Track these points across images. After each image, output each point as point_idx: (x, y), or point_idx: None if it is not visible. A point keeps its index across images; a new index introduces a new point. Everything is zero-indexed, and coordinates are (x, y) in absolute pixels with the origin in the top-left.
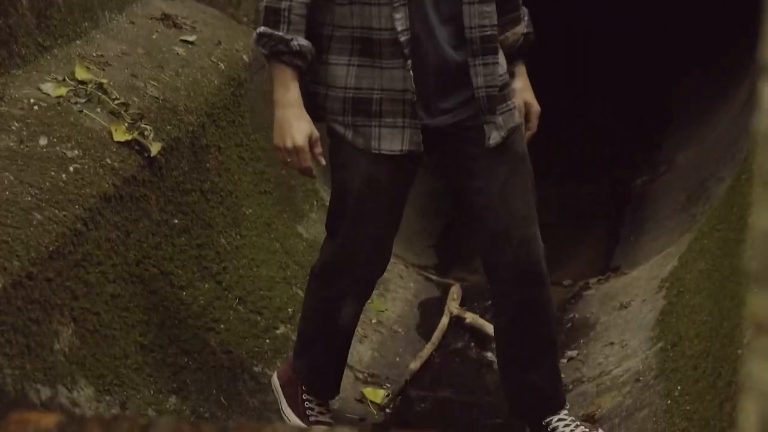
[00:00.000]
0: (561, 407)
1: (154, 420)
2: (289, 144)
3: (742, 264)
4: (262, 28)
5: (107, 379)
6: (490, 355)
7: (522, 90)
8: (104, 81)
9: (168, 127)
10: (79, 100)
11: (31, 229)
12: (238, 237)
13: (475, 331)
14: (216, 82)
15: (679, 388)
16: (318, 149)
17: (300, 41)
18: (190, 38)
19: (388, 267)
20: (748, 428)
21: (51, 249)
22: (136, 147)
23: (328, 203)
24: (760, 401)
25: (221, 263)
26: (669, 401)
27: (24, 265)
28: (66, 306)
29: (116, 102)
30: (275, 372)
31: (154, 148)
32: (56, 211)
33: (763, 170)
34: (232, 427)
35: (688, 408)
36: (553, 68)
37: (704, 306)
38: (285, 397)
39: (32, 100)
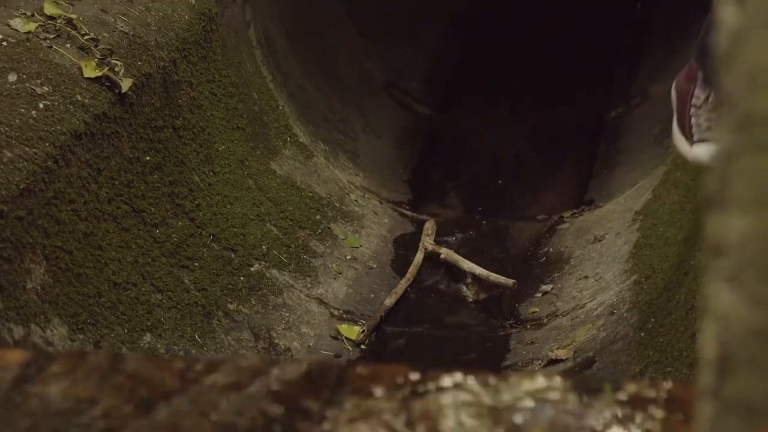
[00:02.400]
0: None
1: (122, 355)
2: None
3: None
4: None
5: (81, 318)
6: (464, 290)
7: None
8: (73, 16)
9: (139, 63)
10: (48, 35)
11: (1, 166)
12: (211, 174)
13: (449, 267)
14: (187, 17)
15: (652, 320)
16: None
17: None
18: None
19: (361, 202)
20: (707, 351)
21: (22, 187)
22: (107, 83)
23: (301, 140)
24: (718, 324)
25: (194, 200)
26: (642, 333)
27: None
28: (38, 244)
29: (86, 38)
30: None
31: (125, 85)
32: (26, 149)
33: (721, 91)
34: (199, 359)
35: (661, 340)
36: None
37: (677, 238)
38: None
39: (0, 36)
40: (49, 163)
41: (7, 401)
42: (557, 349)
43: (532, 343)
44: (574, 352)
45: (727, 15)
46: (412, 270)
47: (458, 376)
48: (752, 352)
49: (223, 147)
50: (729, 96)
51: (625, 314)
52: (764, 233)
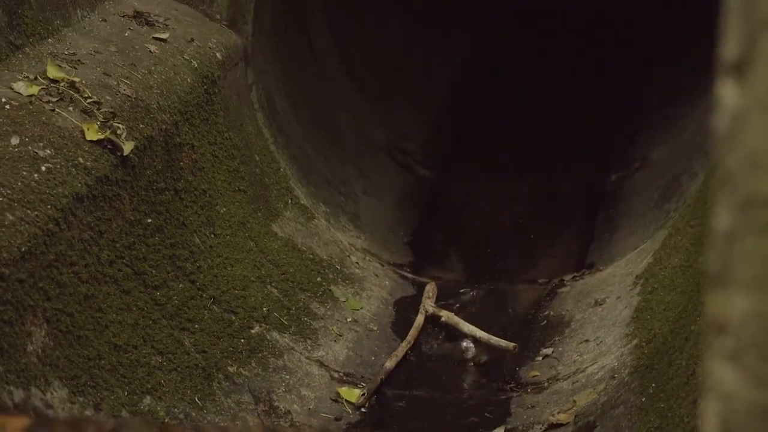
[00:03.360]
0: None
1: (123, 421)
2: None
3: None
4: None
5: (81, 380)
6: (465, 353)
7: None
8: (76, 79)
9: (141, 126)
10: (51, 98)
11: (3, 229)
12: (213, 236)
13: (450, 330)
14: (189, 79)
15: (653, 385)
16: None
17: None
18: (163, 36)
19: (362, 264)
20: (709, 428)
21: (23, 249)
22: (109, 146)
23: (302, 202)
24: (720, 401)
25: (195, 262)
26: (644, 398)
27: None
28: (39, 307)
29: (88, 101)
30: None
31: (127, 147)
32: (28, 211)
33: (721, 170)
34: (200, 427)
35: (662, 405)
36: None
37: (678, 302)
38: None
39: (3, 99)
40: (51, 225)
41: None
42: (558, 413)
43: (532, 407)
44: (575, 416)
45: (727, 95)
46: (412, 332)
47: None
48: (754, 430)
49: (224, 209)
50: (730, 176)
51: (626, 378)
52: (765, 314)
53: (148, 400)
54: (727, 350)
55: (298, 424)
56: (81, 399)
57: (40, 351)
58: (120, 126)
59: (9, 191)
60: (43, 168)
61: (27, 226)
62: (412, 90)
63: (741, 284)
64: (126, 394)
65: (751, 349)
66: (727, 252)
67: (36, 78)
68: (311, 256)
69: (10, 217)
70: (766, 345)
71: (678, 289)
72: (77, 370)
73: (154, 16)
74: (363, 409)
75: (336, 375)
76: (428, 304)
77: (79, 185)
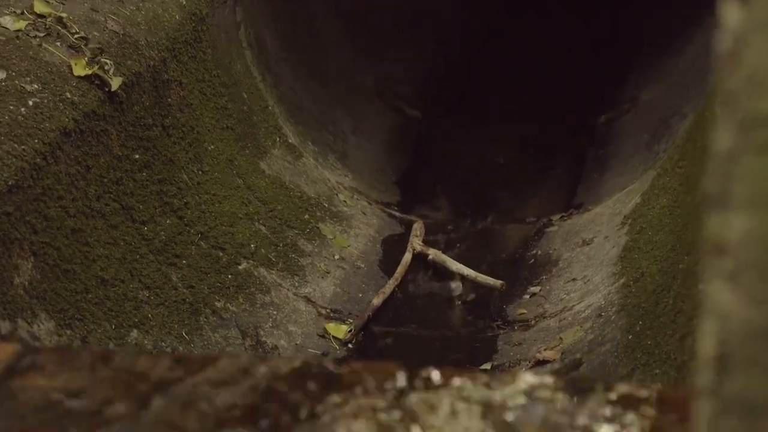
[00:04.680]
0: None
1: (112, 350)
2: None
3: (703, 200)
4: None
5: (68, 313)
6: (452, 291)
7: None
8: (64, 15)
9: (129, 62)
10: (38, 33)
11: None
12: (200, 173)
13: (437, 267)
14: (177, 16)
15: (640, 323)
16: None
17: None
18: None
19: (350, 203)
20: (705, 350)
21: (10, 183)
22: (97, 82)
23: (290, 141)
24: (717, 323)
25: (183, 199)
26: (630, 336)
27: None
28: (26, 240)
29: (76, 36)
30: None
31: (115, 83)
32: (15, 145)
33: (722, 91)
34: (189, 356)
35: (649, 342)
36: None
37: (666, 242)
38: None
39: None
40: (38, 159)
41: None
42: (545, 350)
43: (519, 344)
44: (562, 353)
45: (729, 15)
46: (400, 270)
47: (450, 374)
48: (752, 351)
49: (212, 146)
50: (731, 97)
51: (612, 317)
52: (765, 234)
53: (135, 333)
54: (726, 271)
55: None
56: (68, 332)
57: (27, 284)
58: (108, 62)
59: None
60: (31, 102)
61: (14, 159)
62: (404, 34)
63: (740, 204)
64: (113, 327)
65: (750, 270)
66: (727, 172)
67: (23, 13)
68: (299, 194)
69: None
70: (765, 265)
71: (666, 229)
72: (64, 303)
73: None
74: (350, 345)
75: (323, 311)
76: (416, 243)
77: (67, 120)
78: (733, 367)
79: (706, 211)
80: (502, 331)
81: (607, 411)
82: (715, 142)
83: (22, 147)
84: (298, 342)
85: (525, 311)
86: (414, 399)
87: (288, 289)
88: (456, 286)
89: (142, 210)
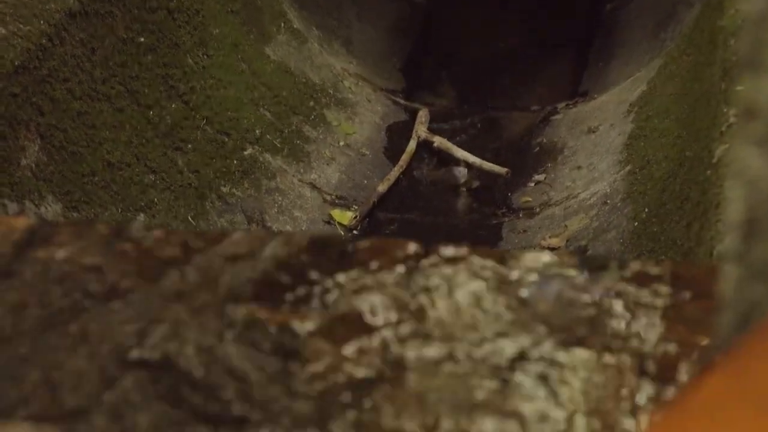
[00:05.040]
0: None
1: (127, 224)
2: None
3: (711, 87)
4: None
5: (74, 196)
6: (457, 178)
7: None
8: None
9: None
10: None
11: None
12: (205, 57)
13: (442, 155)
14: None
15: (646, 210)
16: None
17: None
18: None
19: (355, 89)
20: (733, 215)
21: (16, 64)
22: None
23: (295, 26)
24: (746, 188)
25: (188, 83)
26: (636, 223)
27: None
28: (32, 122)
29: None
30: None
31: None
32: (21, 26)
33: None
34: (203, 232)
35: (655, 230)
36: None
37: (672, 130)
38: None
39: None
40: (44, 41)
41: (12, 264)
42: (550, 237)
43: (524, 231)
44: (567, 240)
45: None
46: (405, 157)
47: (462, 251)
48: None
49: (217, 30)
50: None
51: (618, 204)
52: None
53: (141, 217)
54: (756, 135)
55: None
56: (75, 214)
57: (33, 165)
58: None
59: (2, 5)
60: None
61: (20, 40)
62: None
63: None
64: (119, 210)
65: None
66: (758, 36)
67: None
68: (304, 80)
69: (3, 31)
70: None
71: (672, 117)
72: (71, 185)
73: None
74: (355, 232)
75: (328, 198)
76: (421, 130)
77: (72, 1)
78: (762, 232)
79: (737, 75)
80: (506, 219)
81: (621, 287)
82: (747, 4)
83: (28, 28)
84: (303, 228)
85: (530, 199)
86: (428, 274)
87: (293, 175)
88: (461, 173)
89: (147, 94)
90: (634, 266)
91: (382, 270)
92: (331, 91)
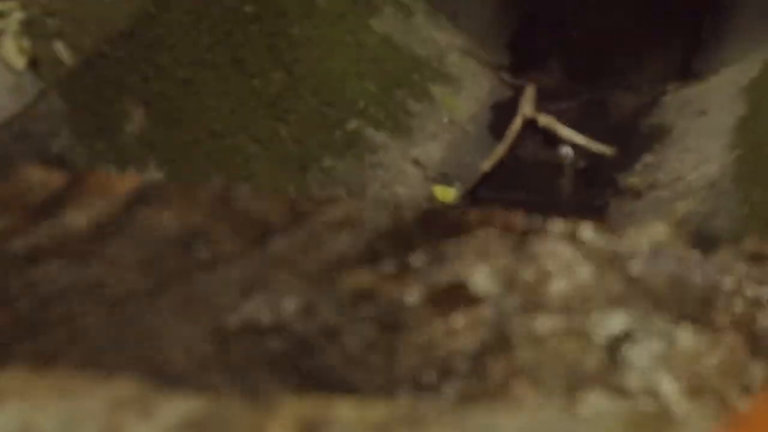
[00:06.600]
0: None
1: (235, 186)
2: None
3: None
4: None
5: (177, 164)
6: (563, 158)
7: None
8: None
9: None
10: None
11: (102, 7)
12: (311, 28)
13: (548, 134)
14: None
15: (758, 194)
16: None
17: None
18: None
19: (460, 64)
20: None
21: (123, 29)
22: None
23: None
24: None
25: (293, 53)
26: (746, 208)
27: (96, 43)
28: (137, 88)
29: None
30: None
31: None
32: None
33: None
34: (309, 198)
35: (766, 214)
36: None
37: None
38: None
39: None
40: (150, 6)
41: (118, 224)
42: (657, 220)
43: (630, 213)
44: (675, 223)
45: None
46: (510, 135)
47: (571, 225)
48: None
49: (323, 1)
50: None
51: (728, 188)
52: None
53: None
54: None
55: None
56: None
57: (137, 132)
58: None
59: None
60: None
61: (126, 4)
62: None
63: None
64: (222, 180)
65: None
66: None
67: None
68: (409, 53)
69: None
70: None
71: None
72: (174, 153)
73: None
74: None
75: (431, 174)
76: (526, 108)
77: None
78: None
79: None
80: (612, 200)
81: (739, 267)
82: None
83: None
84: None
85: (637, 180)
86: (536, 246)
87: (396, 150)
88: (566, 152)
89: (252, 63)
90: (749, 245)
91: (490, 241)
92: (436, 66)
